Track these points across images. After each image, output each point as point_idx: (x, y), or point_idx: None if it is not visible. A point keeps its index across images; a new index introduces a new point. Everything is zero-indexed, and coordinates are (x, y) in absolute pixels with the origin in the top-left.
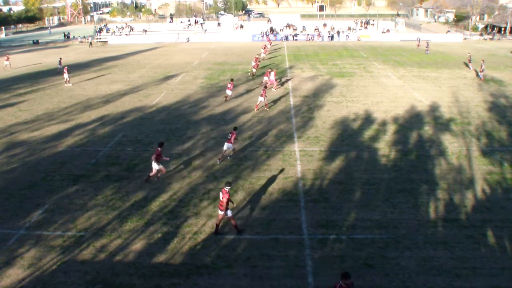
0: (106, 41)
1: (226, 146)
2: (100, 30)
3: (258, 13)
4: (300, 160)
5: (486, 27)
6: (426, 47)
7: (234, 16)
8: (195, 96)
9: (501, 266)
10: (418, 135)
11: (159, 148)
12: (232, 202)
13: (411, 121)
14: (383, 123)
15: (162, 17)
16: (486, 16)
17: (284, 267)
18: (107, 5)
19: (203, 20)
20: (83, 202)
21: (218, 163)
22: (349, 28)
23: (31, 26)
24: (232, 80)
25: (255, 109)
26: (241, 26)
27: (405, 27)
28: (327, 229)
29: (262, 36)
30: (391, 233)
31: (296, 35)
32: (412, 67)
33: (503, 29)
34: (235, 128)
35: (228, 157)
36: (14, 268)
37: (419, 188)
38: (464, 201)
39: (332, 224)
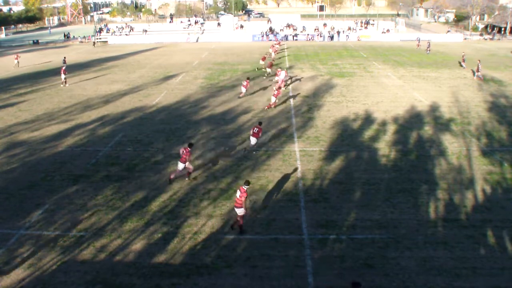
0: (106, 41)
1: (252, 140)
2: (100, 30)
3: (258, 13)
4: (300, 160)
5: (486, 27)
6: (428, 47)
7: (234, 16)
8: (195, 96)
9: (501, 266)
10: (418, 135)
11: (188, 148)
12: (247, 203)
13: (411, 121)
14: (383, 123)
15: (162, 17)
16: (486, 16)
17: (284, 267)
18: (107, 5)
19: (204, 20)
20: (83, 202)
21: (243, 152)
22: (349, 28)
23: (31, 26)
24: (248, 78)
25: (266, 107)
26: (241, 26)
27: (405, 27)
28: (327, 229)
29: (262, 36)
30: (391, 233)
31: (296, 35)
32: (412, 67)
33: (503, 29)
34: (260, 123)
35: (244, 151)
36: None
37: (419, 188)
38: (464, 201)
39: (332, 224)
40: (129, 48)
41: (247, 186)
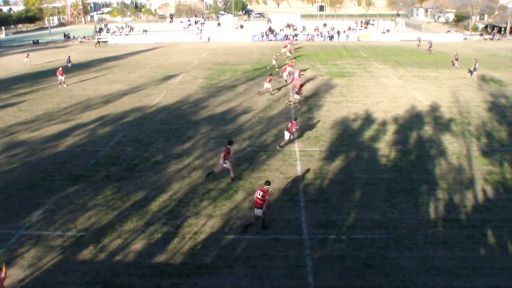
0: (106, 41)
1: (286, 135)
2: (100, 30)
3: (258, 13)
4: (300, 160)
5: (486, 27)
6: (430, 47)
7: (234, 16)
8: (195, 96)
9: (501, 266)
10: (418, 135)
11: (228, 146)
12: (269, 202)
13: (411, 121)
14: (383, 123)
15: (162, 17)
16: (486, 16)
17: (284, 267)
18: (107, 5)
19: (204, 20)
20: (83, 202)
21: (278, 148)
22: (349, 28)
23: (31, 26)
24: (271, 74)
25: (288, 101)
26: (241, 26)
27: (405, 27)
28: (327, 229)
29: (262, 36)
30: (391, 233)
31: (296, 35)
32: (412, 67)
33: (503, 29)
34: (295, 119)
35: (279, 147)
36: (14, 268)
37: (419, 188)
38: (464, 201)
39: (332, 224)
40: (129, 48)
41: (268, 186)
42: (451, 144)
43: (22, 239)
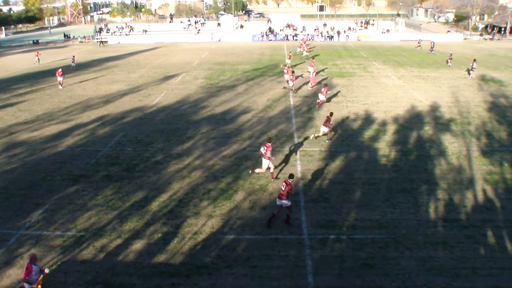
0: (106, 41)
1: (323, 128)
2: (100, 30)
3: (258, 13)
4: (300, 160)
5: (486, 27)
6: (431, 48)
7: (234, 16)
8: (195, 96)
9: (501, 266)
10: (418, 135)
11: (268, 144)
12: (292, 194)
13: (411, 121)
14: (383, 123)
15: (162, 17)
16: (486, 16)
17: (284, 267)
18: (107, 5)
19: (204, 20)
20: (83, 202)
21: (311, 137)
22: (349, 28)
23: (31, 26)
24: (293, 72)
25: (317, 106)
26: (241, 26)
27: (405, 27)
28: (327, 229)
29: (262, 36)
30: (391, 233)
31: (296, 35)
32: (412, 67)
33: (503, 29)
34: (331, 114)
35: (327, 140)
36: (14, 268)
37: (419, 188)
38: (464, 201)
39: (332, 224)
40: (129, 48)
41: (292, 179)
42: (451, 144)
43: (22, 239)
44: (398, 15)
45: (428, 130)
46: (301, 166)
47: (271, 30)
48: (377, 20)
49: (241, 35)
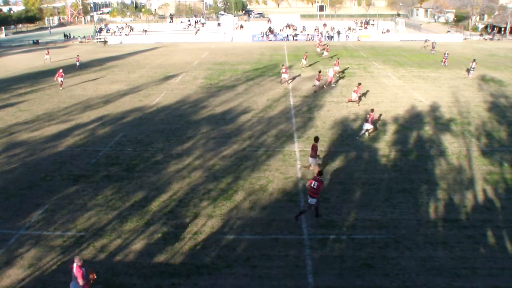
0: (107, 41)
1: (366, 125)
2: (100, 30)
3: (258, 13)
4: (300, 160)
5: (486, 27)
6: (433, 48)
7: (234, 16)
8: (195, 96)
9: (501, 266)
10: (418, 135)
11: (315, 143)
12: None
13: (411, 121)
14: (383, 123)
15: (162, 17)
16: (486, 16)
17: (284, 267)
18: (107, 5)
19: (205, 20)
20: (83, 202)
21: (358, 137)
22: (349, 28)
23: (31, 26)
24: (320, 72)
25: (349, 102)
26: (241, 26)
27: (405, 27)
28: (327, 229)
29: (262, 36)
30: (391, 233)
31: (296, 35)
32: (412, 67)
33: (503, 29)
34: (372, 110)
35: (367, 134)
36: (14, 268)
37: (419, 188)
38: (464, 201)
39: (332, 224)
40: (129, 48)
41: (321, 177)
42: (451, 144)
43: (22, 239)
44: (398, 15)
45: (428, 130)
46: (301, 166)
47: (271, 30)
48: (377, 20)
49: (241, 35)
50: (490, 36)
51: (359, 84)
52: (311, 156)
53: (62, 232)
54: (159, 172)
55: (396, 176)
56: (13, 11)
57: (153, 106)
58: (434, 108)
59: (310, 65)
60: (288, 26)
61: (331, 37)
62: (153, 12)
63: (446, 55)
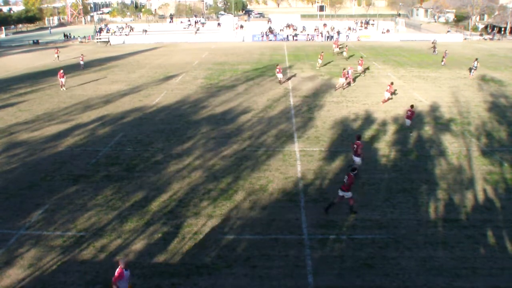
0: (109, 42)
1: (407, 122)
2: (100, 30)
3: (258, 13)
4: (300, 160)
5: (486, 27)
6: (434, 48)
7: (234, 16)
8: (195, 96)
9: (501, 266)
10: (418, 135)
11: (358, 141)
12: (354, 185)
13: (411, 121)
14: (383, 123)
15: (162, 17)
16: (486, 16)
17: (284, 267)
18: (107, 5)
19: (205, 20)
20: (83, 202)
21: (411, 134)
22: (349, 28)
23: (31, 26)
24: (344, 69)
25: (382, 102)
26: (241, 26)
27: (405, 27)
28: (327, 229)
29: (262, 36)
30: (391, 233)
31: (296, 35)
32: (412, 67)
33: (503, 29)
34: (412, 106)
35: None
36: (14, 268)
37: (419, 188)
38: (464, 201)
39: (332, 224)
40: (129, 48)
41: (353, 172)
42: (451, 144)
43: (22, 239)
44: (398, 15)
45: (428, 130)
46: (301, 166)
47: (271, 30)
48: (377, 20)
49: (241, 35)
50: (490, 36)
51: (392, 83)
52: (356, 155)
53: (62, 232)
54: (159, 172)
55: (396, 176)
56: (13, 11)
57: (153, 106)
58: (434, 108)
59: (328, 63)
60: (288, 26)
61: (331, 37)
62: (153, 12)
63: (446, 54)
